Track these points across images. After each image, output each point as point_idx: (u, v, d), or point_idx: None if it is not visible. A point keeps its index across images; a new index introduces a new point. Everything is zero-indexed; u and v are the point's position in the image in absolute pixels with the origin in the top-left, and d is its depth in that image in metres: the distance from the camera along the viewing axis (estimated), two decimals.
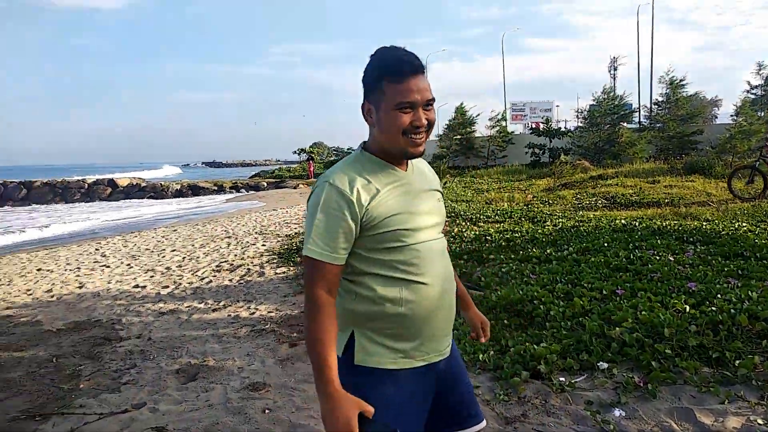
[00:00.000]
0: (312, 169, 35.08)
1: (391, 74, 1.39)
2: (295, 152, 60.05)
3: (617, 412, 2.81)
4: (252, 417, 3.15)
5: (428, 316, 1.48)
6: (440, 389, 1.58)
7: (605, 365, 3.30)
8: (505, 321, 4.01)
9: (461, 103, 30.51)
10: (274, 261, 7.79)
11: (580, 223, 7.49)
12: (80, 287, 7.01)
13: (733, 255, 5.41)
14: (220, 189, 30.95)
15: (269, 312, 5.32)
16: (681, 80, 21.21)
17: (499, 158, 26.58)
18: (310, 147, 58.11)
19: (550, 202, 11.44)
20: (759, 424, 2.60)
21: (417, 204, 1.48)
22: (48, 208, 25.82)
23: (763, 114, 18.35)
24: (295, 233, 10.36)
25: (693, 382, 3.02)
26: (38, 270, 8.44)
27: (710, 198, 10.25)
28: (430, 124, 1.43)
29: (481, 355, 3.56)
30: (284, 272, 6.98)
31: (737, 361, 3.13)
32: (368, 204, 1.40)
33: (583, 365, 3.35)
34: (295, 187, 29.36)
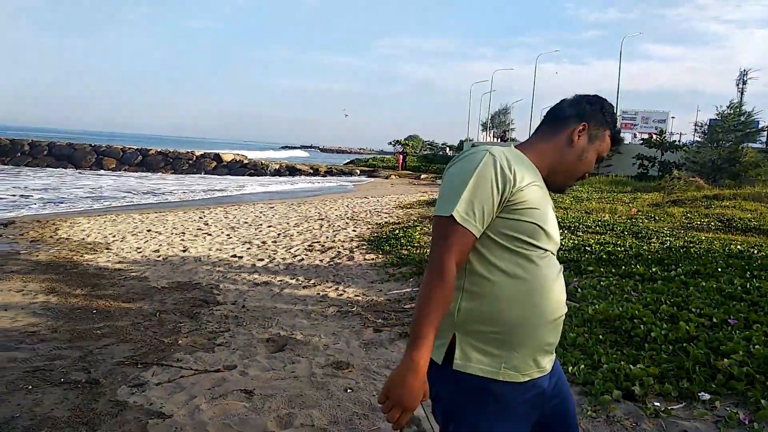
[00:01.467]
0: (401, 161, 35.26)
1: (615, 133, 1.55)
2: (390, 143, 60.65)
3: None
4: (334, 393, 3.23)
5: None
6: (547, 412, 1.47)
7: (707, 396, 3.05)
8: (600, 336, 3.81)
9: None
10: (364, 247, 7.92)
11: (691, 244, 6.95)
12: (184, 251, 7.51)
13: None
14: (315, 172, 31.94)
15: (356, 295, 5.41)
16: None
17: (603, 167, 25.34)
18: (405, 139, 58.37)
19: (657, 218, 10.72)
20: None
21: (551, 213, 1.44)
22: (164, 176, 27.85)
23: None
24: (386, 222, 10.47)
25: None
26: (148, 231, 9.15)
27: None
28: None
29: (570, 368, 3.41)
30: (373, 259, 7.08)
31: None
32: (521, 185, 1.34)
33: (682, 393, 3.11)
34: (386, 177, 29.70)
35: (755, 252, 6.50)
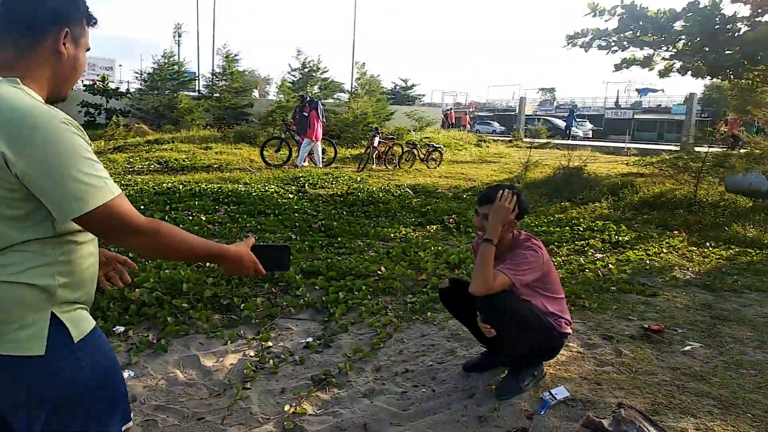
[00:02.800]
0: None
1: (90, 16, 1.33)
2: None
3: (127, 373, 2.76)
4: None
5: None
6: None
7: (121, 329, 3.21)
8: None
9: None
10: None
11: (125, 188, 7.16)
12: None
13: (258, 213, 6.15)
14: None
15: None
16: (235, 55, 22.79)
17: None
18: None
19: None
20: (251, 356, 2.99)
21: None
22: None
23: (303, 94, 21.58)
24: None
25: (203, 331, 3.24)
26: None
27: (251, 164, 11.43)
28: None
29: None
30: None
31: (243, 305, 3.54)
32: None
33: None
34: None
35: (181, 188, 7.27)
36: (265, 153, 11.74)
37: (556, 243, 5.44)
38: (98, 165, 1.18)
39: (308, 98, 12.54)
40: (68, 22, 1.28)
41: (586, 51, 9.13)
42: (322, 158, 12.49)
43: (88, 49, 1.36)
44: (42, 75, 1.26)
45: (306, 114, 12.31)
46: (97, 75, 33.14)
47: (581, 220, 6.50)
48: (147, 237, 1.23)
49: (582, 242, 5.50)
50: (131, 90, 25.01)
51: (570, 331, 2.59)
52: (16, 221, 1.16)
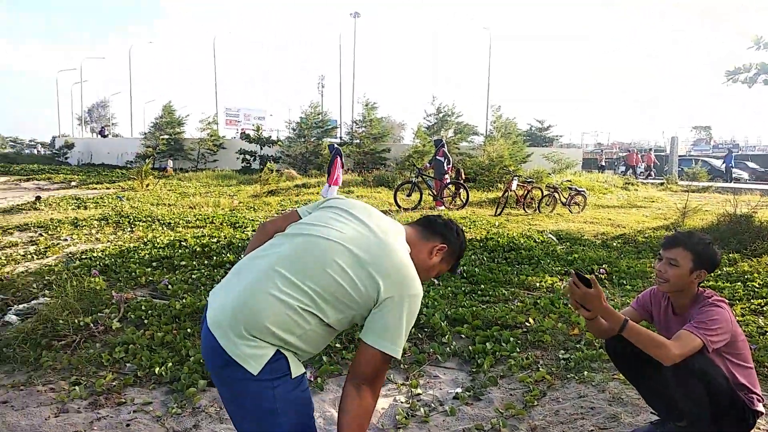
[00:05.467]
0: None
1: (455, 265, 2.14)
2: None
3: None
4: None
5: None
6: None
7: None
8: (189, 330, 3.84)
9: (169, 102, 28.88)
10: None
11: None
12: None
13: None
14: None
15: None
16: (374, 103, 24.06)
17: (210, 162, 25.96)
18: None
19: (256, 208, 11.60)
20: (401, 402, 3.03)
21: None
22: None
23: (434, 138, 22.15)
24: None
25: None
26: None
27: (391, 207, 11.81)
28: None
29: (157, 369, 3.32)
30: None
31: None
32: None
33: None
34: None
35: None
36: (398, 196, 12.09)
37: (728, 301, 4.87)
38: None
39: (334, 145, 12.97)
40: (450, 244, 2.05)
41: (749, 87, 8.33)
42: (456, 202, 12.56)
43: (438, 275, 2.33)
44: (415, 253, 1.92)
45: (440, 158, 12.53)
46: (252, 125, 36.83)
47: (755, 275, 5.77)
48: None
49: (759, 301, 4.87)
50: (281, 138, 27.33)
51: (762, 409, 2.27)
52: (334, 308, 1.70)
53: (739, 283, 5.42)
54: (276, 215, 10.28)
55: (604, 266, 6.04)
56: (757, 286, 5.33)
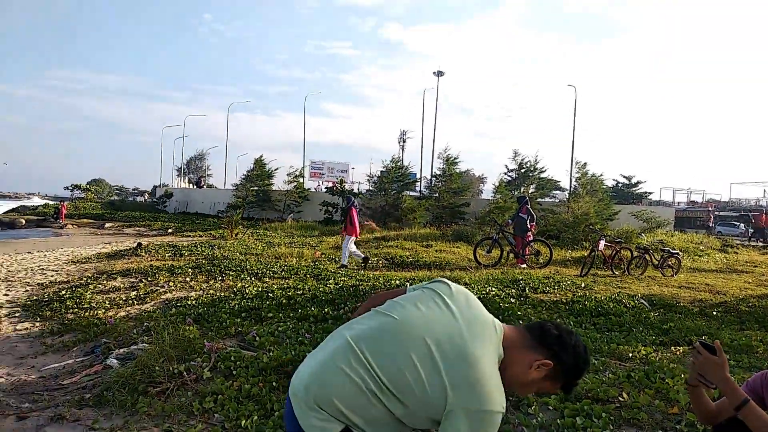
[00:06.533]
0: (64, 211, 29.99)
1: (566, 386, 1.81)
2: (67, 188, 53.56)
3: None
4: None
5: None
6: None
7: None
8: (274, 383, 3.93)
9: (260, 156, 30.60)
10: (17, 314, 6.63)
11: (360, 282, 7.85)
12: None
13: None
14: None
15: None
16: (455, 158, 24.23)
17: (294, 213, 26.96)
18: (88, 184, 52.23)
19: (337, 260, 11.84)
20: None
21: None
22: None
23: (516, 193, 21.89)
24: (51, 281, 9.01)
25: None
26: None
27: (470, 263, 11.66)
28: None
29: (243, 422, 3.41)
30: (27, 328, 5.96)
31: None
32: None
33: None
34: (61, 227, 25.82)
35: (408, 284, 7.70)
36: (478, 253, 11.94)
37: None
38: None
39: (351, 197, 12.40)
40: (558, 362, 1.76)
41: None
42: (539, 260, 12.22)
43: (543, 394, 1.93)
44: (512, 362, 1.78)
45: (523, 215, 12.31)
46: (336, 178, 38.07)
47: None
48: None
49: None
50: (362, 191, 28.01)
51: None
52: (396, 398, 1.64)
53: None
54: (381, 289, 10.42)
55: (704, 336, 5.60)
56: None
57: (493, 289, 8.12)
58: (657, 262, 11.46)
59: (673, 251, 11.76)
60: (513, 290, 8.22)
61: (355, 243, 11.71)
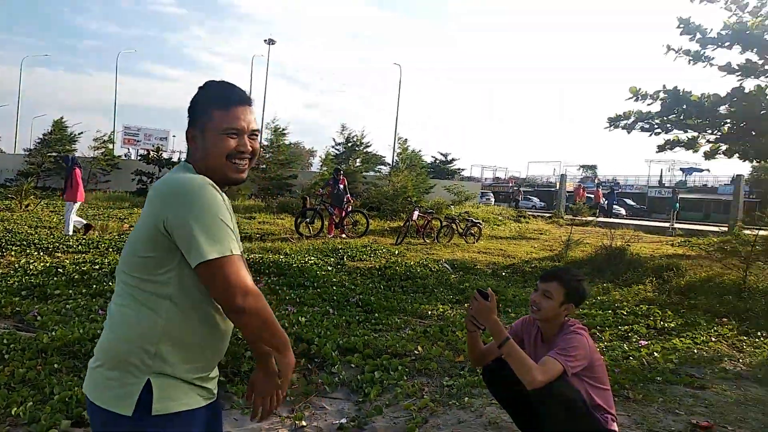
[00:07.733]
0: None
1: (220, 102, 1.46)
2: None
3: None
4: None
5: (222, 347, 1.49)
6: None
7: None
8: (56, 365, 3.54)
9: (61, 117, 27.04)
10: None
11: None
12: None
13: (297, 285, 6.24)
14: None
15: None
16: (283, 129, 23.85)
17: (101, 182, 24.40)
18: None
19: None
20: None
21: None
22: None
23: (345, 166, 22.33)
24: None
25: (238, 406, 3.25)
26: None
27: (292, 234, 11.69)
28: (254, 153, 1.50)
29: (15, 409, 3.02)
30: None
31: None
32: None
33: None
34: None
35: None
36: (301, 225, 12.02)
37: (598, 327, 5.28)
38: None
39: (70, 156, 11.89)
40: (193, 122, 1.51)
41: (628, 133, 9.20)
42: (356, 229, 12.70)
43: (236, 130, 1.47)
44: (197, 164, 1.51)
45: (342, 186, 12.63)
46: (153, 145, 35.15)
47: (624, 303, 6.32)
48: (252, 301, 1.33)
49: (625, 327, 5.32)
50: (183, 159, 26.29)
51: (617, 429, 2.47)
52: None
53: (609, 311, 5.89)
54: None
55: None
56: (625, 313, 5.83)
57: (312, 257, 8.25)
58: (462, 231, 12.63)
59: (476, 221, 13.05)
60: (332, 259, 8.43)
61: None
